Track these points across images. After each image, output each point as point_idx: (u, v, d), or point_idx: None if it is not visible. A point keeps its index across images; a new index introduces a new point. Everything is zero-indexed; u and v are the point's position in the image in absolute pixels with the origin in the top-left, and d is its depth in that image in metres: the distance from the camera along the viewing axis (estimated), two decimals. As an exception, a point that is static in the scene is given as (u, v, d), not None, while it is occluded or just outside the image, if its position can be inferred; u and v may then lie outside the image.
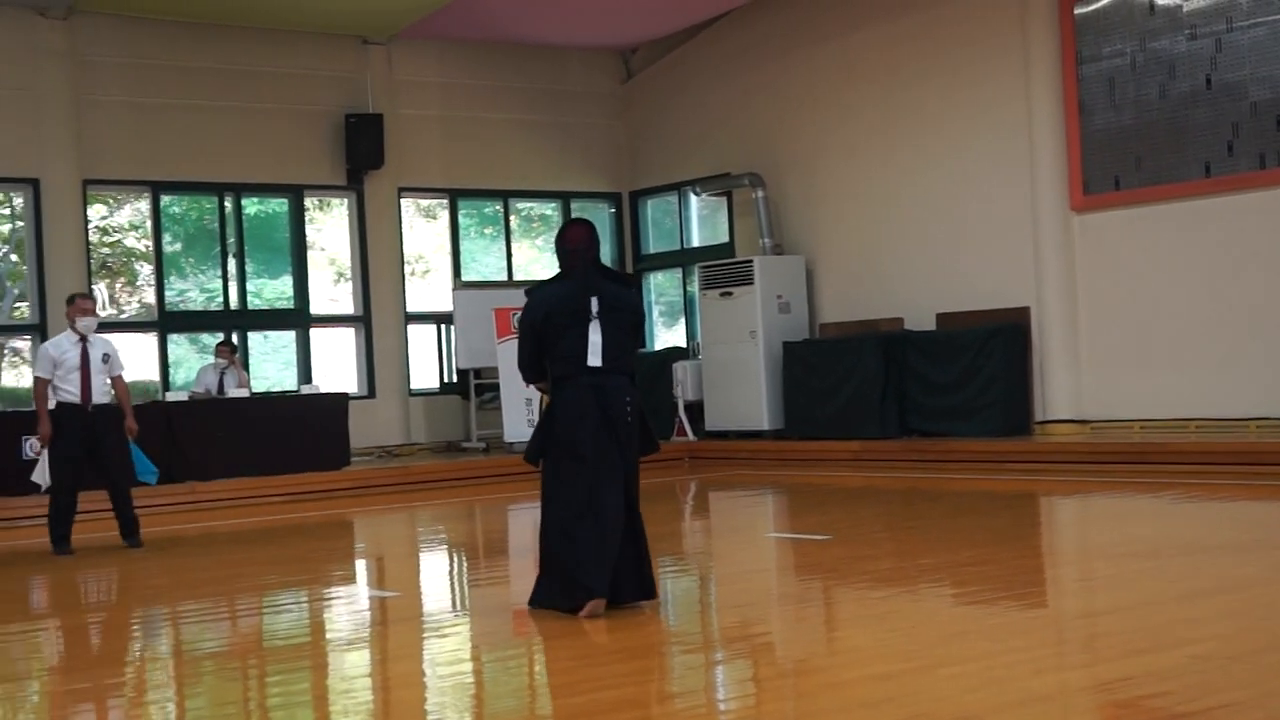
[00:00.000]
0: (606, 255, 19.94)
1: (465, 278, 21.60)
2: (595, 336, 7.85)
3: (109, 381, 12.52)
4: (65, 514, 12.27)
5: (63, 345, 12.32)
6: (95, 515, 13.26)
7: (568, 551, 7.88)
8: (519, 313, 18.59)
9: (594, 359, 7.85)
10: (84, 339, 12.37)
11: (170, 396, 17.56)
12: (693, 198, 22.01)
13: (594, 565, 7.80)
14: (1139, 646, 6.48)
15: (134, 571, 11.40)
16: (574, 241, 8.10)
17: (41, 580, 11.18)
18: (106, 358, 12.50)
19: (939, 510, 12.84)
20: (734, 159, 20.87)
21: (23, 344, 19.35)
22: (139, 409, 16.83)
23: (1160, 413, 16.28)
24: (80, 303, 12.55)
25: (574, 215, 22.41)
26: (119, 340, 19.63)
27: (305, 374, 20.25)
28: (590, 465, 7.84)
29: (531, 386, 8.58)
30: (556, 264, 8.35)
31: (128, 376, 12.98)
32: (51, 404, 12.28)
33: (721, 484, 16.62)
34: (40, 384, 12.26)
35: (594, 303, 7.90)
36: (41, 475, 12.36)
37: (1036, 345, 17.30)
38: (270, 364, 20.97)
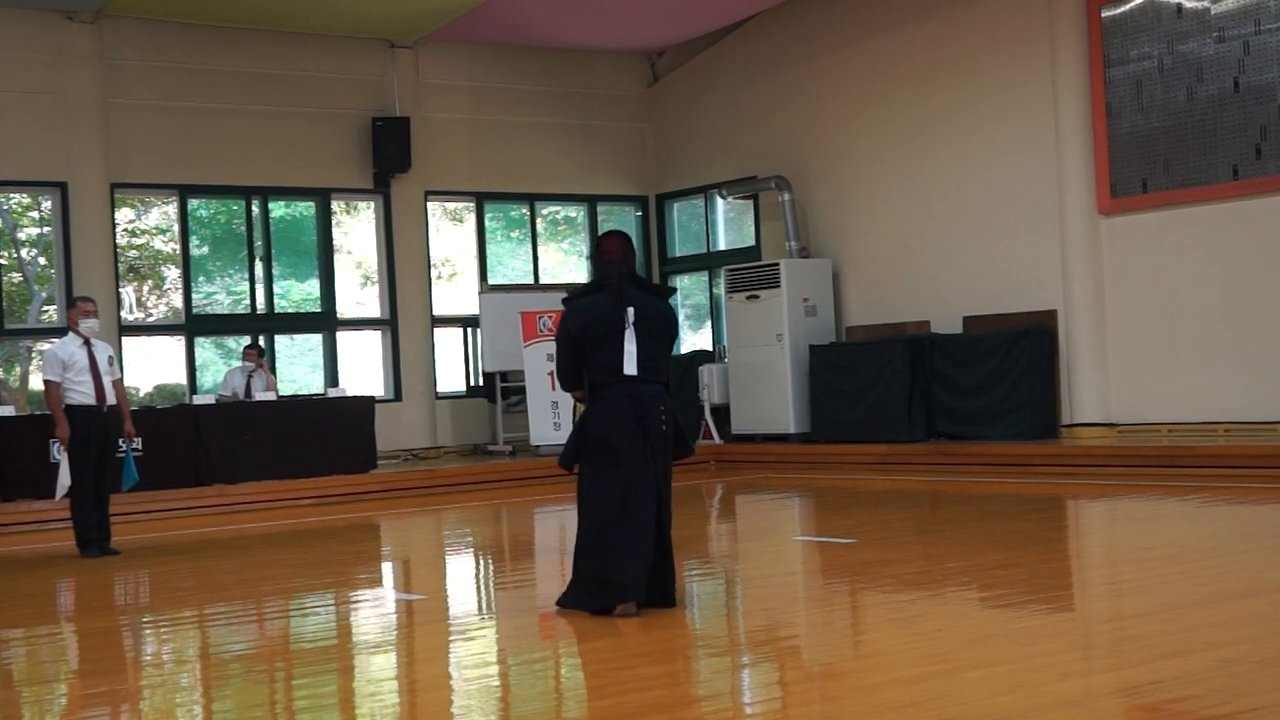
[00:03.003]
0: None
1: (492, 281, 21.61)
2: (631, 346, 7.99)
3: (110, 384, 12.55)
4: (90, 515, 12.32)
5: (69, 348, 12.35)
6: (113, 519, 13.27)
7: (601, 554, 7.97)
8: (545, 316, 18.62)
9: (630, 368, 7.99)
10: (87, 341, 12.41)
11: (197, 399, 17.62)
12: (719, 201, 21.99)
13: (628, 566, 7.89)
14: (1166, 650, 6.46)
15: (162, 574, 11.45)
16: (610, 253, 8.22)
17: (70, 583, 11.22)
18: (111, 360, 12.56)
19: (966, 514, 12.81)
20: (760, 162, 20.86)
21: (49, 347, 19.41)
22: (167, 412, 17.03)
23: (1188, 416, 16.23)
24: (82, 305, 12.61)
25: (600, 218, 22.48)
26: (147, 344, 19.97)
27: (332, 377, 20.29)
28: (624, 471, 7.97)
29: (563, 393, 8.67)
30: (587, 270, 8.46)
31: (155, 380, 13.02)
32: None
33: (748, 487, 16.61)
34: (53, 387, 12.27)
35: (630, 313, 8.03)
36: (62, 481, 12.31)
37: (1064, 348, 17.26)
38: (297, 367, 21.03)
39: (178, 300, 20.08)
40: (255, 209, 20.03)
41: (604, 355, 8.03)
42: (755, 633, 7.90)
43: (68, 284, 18.34)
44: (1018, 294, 17.70)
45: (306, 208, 20.71)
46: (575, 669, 7.11)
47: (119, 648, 8.36)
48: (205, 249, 20.42)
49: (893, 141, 19.28)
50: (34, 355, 19.79)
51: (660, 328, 8.17)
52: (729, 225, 22.44)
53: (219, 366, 20.08)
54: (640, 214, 23.01)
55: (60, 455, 12.45)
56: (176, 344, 19.76)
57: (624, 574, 7.89)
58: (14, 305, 19.40)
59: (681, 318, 23.03)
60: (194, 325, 19.73)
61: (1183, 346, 16.32)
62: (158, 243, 20.92)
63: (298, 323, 20.69)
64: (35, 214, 19.75)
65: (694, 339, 22.84)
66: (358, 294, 21.42)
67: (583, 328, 8.08)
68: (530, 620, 8.53)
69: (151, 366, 20.11)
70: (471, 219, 22.00)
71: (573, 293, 8.60)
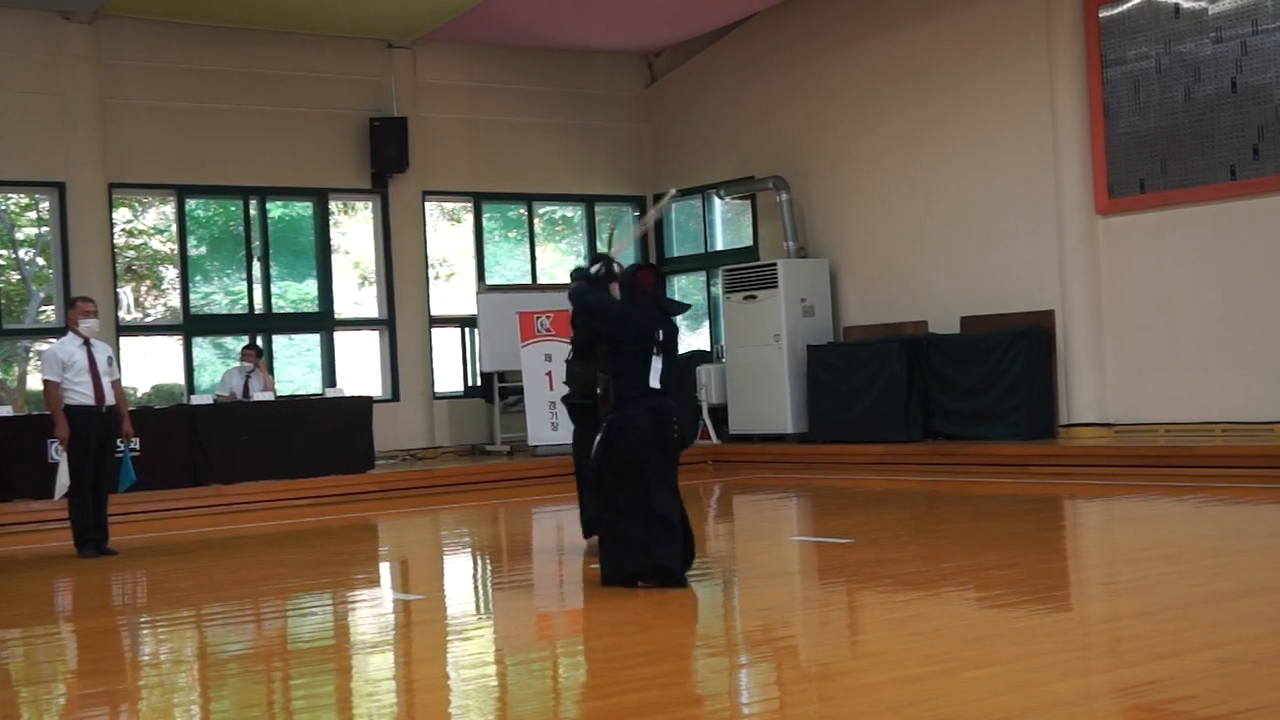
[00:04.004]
0: (630, 257, 19.86)
1: (489, 281, 21.60)
2: (658, 363, 9.09)
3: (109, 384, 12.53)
4: (88, 515, 12.31)
5: (68, 348, 12.33)
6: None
7: (624, 545, 8.93)
8: (543, 316, 18.65)
9: (654, 382, 9.07)
10: (87, 341, 12.40)
11: (195, 400, 17.60)
12: (717, 201, 21.98)
13: (654, 555, 8.83)
14: (1164, 650, 6.47)
15: (160, 574, 11.45)
16: (644, 283, 9.31)
17: (67, 583, 11.22)
18: (110, 360, 12.55)
19: (963, 514, 12.82)
20: (758, 162, 20.86)
21: (49, 347, 19.43)
22: (165, 412, 17.03)
23: (1185, 416, 16.22)
24: (82, 305, 12.60)
25: (598, 219, 22.53)
26: (144, 344, 19.96)
27: (330, 377, 20.28)
28: (647, 473, 8.94)
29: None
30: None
31: (153, 380, 13.00)
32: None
33: (745, 487, 16.61)
34: (52, 387, 12.26)
35: (660, 335, 9.14)
36: (61, 481, 12.30)
37: (1061, 348, 17.26)
38: (295, 367, 21.03)
39: (175, 300, 20.07)
40: (253, 209, 20.03)
41: (630, 368, 9.06)
42: (753, 633, 7.91)
43: (65, 284, 18.33)
44: (1015, 294, 17.70)
45: (304, 208, 20.70)
46: (572, 669, 7.12)
47: (117, 648, 8.37)
48: (203, 249, 20.40)
49: (890, 142, 19.27)
50: (32, 355, 19.78)
51: (674, 346, 9.33)
52: (726, 225, 22.43)
53: (217, 367, 20.06)
54: (638, 214, 23.00)
55: (59, 455, 12.45)
56: (174, 344, 19.75)
57: (641, 561, 8.83)
58: (12, 305, 19.39)
59: (680, 319, 22.96)
60: (192, 325, 19.72)
61: (1180, 347, 16.32)
62: (155, 243, 20.90)
63: (295, 323, 20.69)
64: (33, 214, 19.73)
65: (691, 339, 22.82)
66: (355, 294, 21.41)
67: (619, 331, 9.16)
68: (527, 620, 8.55)
69: (149, 367, 20.10)
70: (469, 219, 21.99)
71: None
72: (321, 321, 20.55)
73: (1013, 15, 17.82)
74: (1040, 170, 17.45)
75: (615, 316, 9.31)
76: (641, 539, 8.86)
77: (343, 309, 20.90)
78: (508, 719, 6.19)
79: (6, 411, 16.15)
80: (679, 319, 9.76)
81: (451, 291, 22.10)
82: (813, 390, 18.93)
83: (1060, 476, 15.16)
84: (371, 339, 21.07)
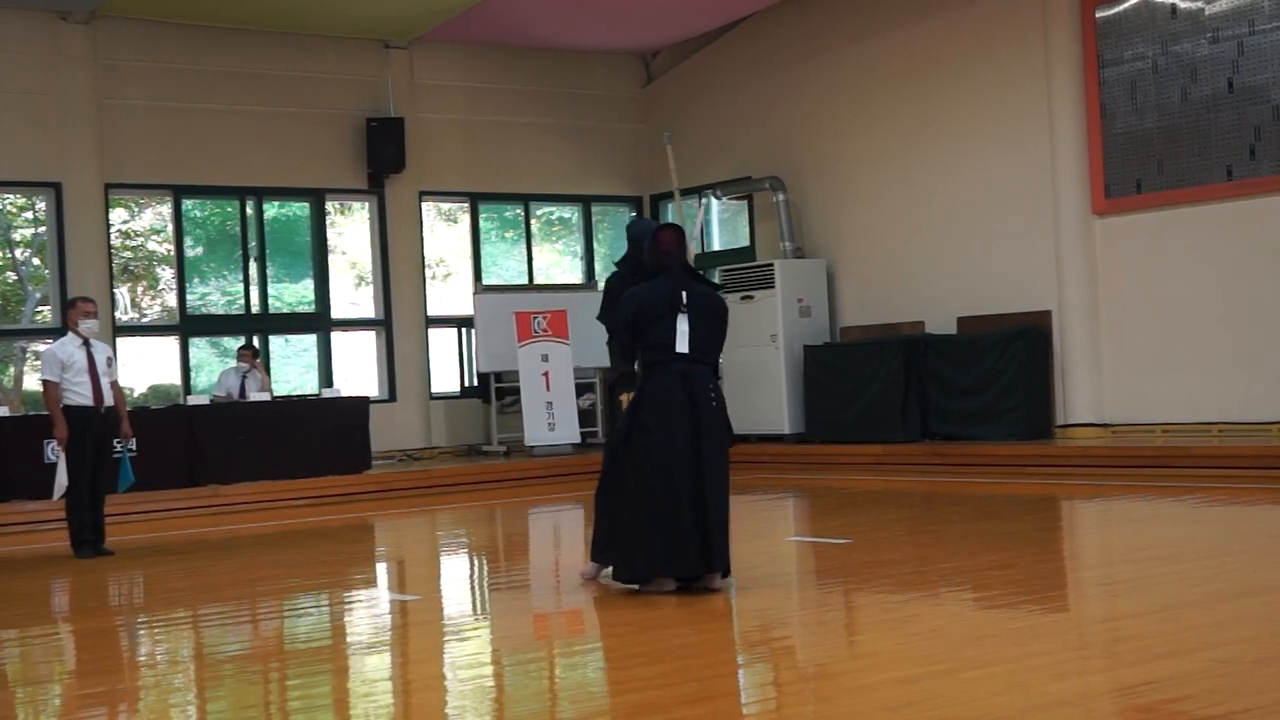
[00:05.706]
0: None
1: (486, 281, 21.60)
2: (683, 326, 8.63)
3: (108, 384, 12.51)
4: (86, 515, 12.30)
5: (68, 348, 12.31)
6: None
7: (638, 528, 8.50)
8: (539, 317, 18.59)
9: (681, 346, 8.62)
10: (87, 342, 12.38)
11: (192, 400, 17.60)
12: (714, 201, 21.98)
13: (664, 543, 8.47)
14: (1161, 651, 6.46)
15: (157, 575, 11.44)
16: (666, 244, 8.81)
17: (64, 583, 11.21)
18: (110, 360, 12.54)
19: (960, 514, 12.81)
20: (755, 162, 20.86)
21: (45, 347, 19.43)
22: (161, 412, 17.02)
23: (1182, 416, 16.23)
24: (82, 305, 12.57)
25: (595, 219, 22.50)
26: (141, 344, 19.95)
27: (326, 377, 20.29)
28: (668, 444, 8.58)
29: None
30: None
31: (150, 380, 12.99)
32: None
33: (742, 488, 16.54)
34: (51, 387, 12.24)
35: (684, 296, 8.64)
36: (59, 481, 12.28)
37: (1058, 349, 17.26)
38: (291, 367, 21.02)
39: (172, 301, 20.06)
40: (250, 209, 20.03)
41: (657, 334, 8.62)
42: (750, 633, 7.90)
43: (62, 285, 18.32)
44: (1012, 295, 17.70)
45: (301, 208, 20.70)
46: (569, 670, 7.11)
47: (114, 648, 8.35)
48: (200, 249, 20.39)
49: (887, 142, 19.28)
50: (29, 356, 19.77)
51: (710, 312, 8.79)
52: (723, 225, 22.44)
53: (214, 367, 20.05)
54: (635, 214, 23.00)
55: (56, 456, 12.43)
56: (171, 344, 19.74)
57: (657, 551, 8.46)
58: (9, 306, 19.39)
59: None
60: (188, 326, 19.71)
61: (1177, 347, 16.33)
62: (152, 243, 20.90)
63: (292, 323, 20.69)
64: (30, 214, 19.73)
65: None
66: (352, 294, 21.40)
67: (639, 309, 8.66)
68: (524, 621, 8.54)
69: (146, 367, 20.09)
70: (466, 219, 21.99)
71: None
72: (318, 322, 20.55)
73: (1009, 16, 17.82)
74: (1037, 170, 17.46)
75: (622, 306, 8.76)
76: (660, 529, 8.46)
77: (339, 309, 20.89)
78: None
79: (4, 412, 16.16)
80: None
81: (448, 292, 22.10)
82: (810, 391, 18.93)
83: (1057, 477, 15.15)
84: (368, 339, 21.07)
